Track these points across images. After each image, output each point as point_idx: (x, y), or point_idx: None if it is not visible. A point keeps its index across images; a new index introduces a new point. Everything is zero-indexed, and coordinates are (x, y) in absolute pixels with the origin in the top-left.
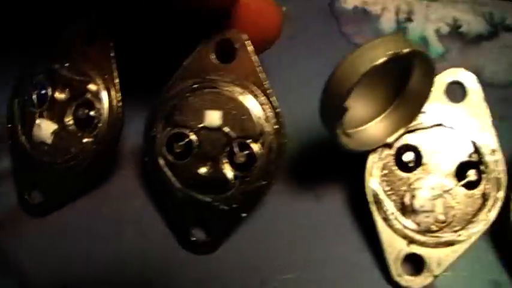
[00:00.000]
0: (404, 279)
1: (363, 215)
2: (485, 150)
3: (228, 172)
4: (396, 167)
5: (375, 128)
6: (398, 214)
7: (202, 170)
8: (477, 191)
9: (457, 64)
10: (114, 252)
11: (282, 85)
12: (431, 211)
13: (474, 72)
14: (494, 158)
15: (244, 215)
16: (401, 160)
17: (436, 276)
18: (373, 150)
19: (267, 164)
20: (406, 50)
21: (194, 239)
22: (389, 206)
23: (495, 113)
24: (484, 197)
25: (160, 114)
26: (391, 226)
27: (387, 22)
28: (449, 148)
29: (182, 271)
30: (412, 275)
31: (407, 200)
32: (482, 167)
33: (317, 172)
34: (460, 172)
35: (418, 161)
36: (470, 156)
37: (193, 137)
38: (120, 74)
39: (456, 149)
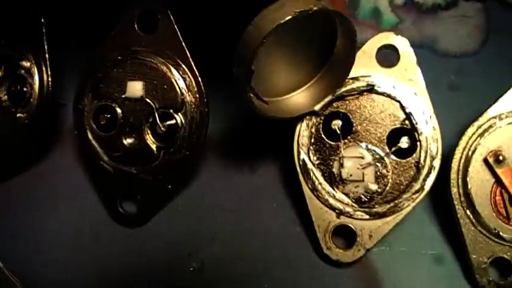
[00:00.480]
0: (334, 252)
1: (296, 187)
2: (418, 117)
3: (152, 143)
4: (325, 136)
5: (301, 96)
6: (326, 184)
7: (127, 141)
8: (411, 160)
9: (411, 35)
10: (49, 227)
11: (206, 55)
12: (361, 180)
13: (429, 43)
14: (429, 125)
15: (169, 186)
16: (330, 128)
17: (368, 250)
18: (302, 119)
19: (189, 135)
20: (313, 8)
21: (123, 211)
22: (318, 176)
23: (449, 84)
24: (418, 166)
25: (87, 87)
26: (319, 197)
27: None
28: (380, 115)
29: (113, 244)
30: (343, 248)
31: (335, 169)
32: (415, 134)
33: (251, 144)
34: (392, 140)
35: (348, 129)
36: (402, 123)
37: (117, 109)
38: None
39: (388, 116)
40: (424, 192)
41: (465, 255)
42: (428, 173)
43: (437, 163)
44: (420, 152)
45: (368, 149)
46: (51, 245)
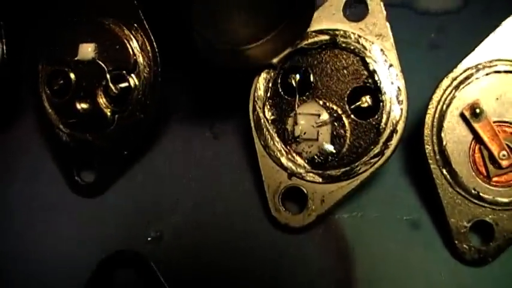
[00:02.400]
0: (283, 215)
1: None
2: (383, 75)
3: (105, 107)
4: (282, 91)
5: (259, 48)
6: (279, 142)
7: (81, 107)
8: (371, 121)
9: None
10: (7, 198)
11: (159, 14)
12: (315, 139)
13: (409, 1)
14: (394, 85)
15: (125, 152)
16: (288, 83)
17: (320, 216)
18: (259, 73)
19: (143, 97)
20: None
21: (80, 181)
22: (272, 133)
23: (429, 43)
24: (379, 128)
25: (40, 52)
26: (271, 155)
27: None
28: (343, 71)
29: (70, 214)
30: (293, 212)
31: (289, 126)
32: (378, 94)
33: (213, 109)
34: (354, 99)
35: (307, 84)
36: (365, 81)
37: (70, 73)
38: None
39: (350, 73)
40: (384, 158)
41: (443, 219)
42: (390, 136)
43: (400, 126)
44: (382, 114)
45: (326, 107)
46: (8, 216)
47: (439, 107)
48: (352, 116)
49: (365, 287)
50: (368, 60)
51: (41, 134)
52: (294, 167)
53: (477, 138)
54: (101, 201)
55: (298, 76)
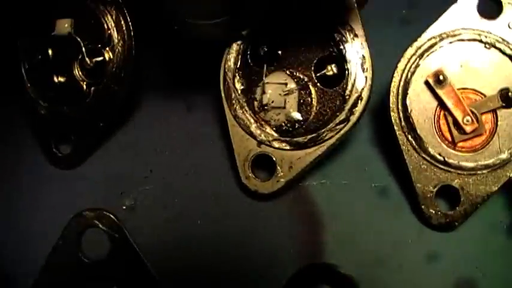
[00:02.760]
0: (253, 182)
1: None
2: (348, 45)
3: (81, 80)
4: (251, 61)
5: (230, 22)
6: (248, 111)
7: (58, 80)
8: (338, 89)
9: None
10: None
11: None
12: (282, 107)
13: None
14: (359, 54)
15: (101, 124)
16: (257, 54)
17: (288, 181)
18: (230, 45)
19: (117, 70)
20: None
21: (58, 153)
22: (241, 102)
23: (400, 18)
24: (344, 96)
25: (19, 27)
26: (241, 124)
27: None
28: (308, 40)
29: (48, 186)
30: (262, 179)
31: (258, 95)
32: (344, 63)
33: (187, 82)
34: (320, 68)
35: (274, 55)
36: (331, 50)
37: (49, 48)
38: None
39: (316, 42)
40: (350, 124)
41: (410, 185)
42: (355, 103)
43: (365, 94)
44: (347, 81)
45: (293, 76)
46: None
47: (404, 75)
48: (318, 84)
49: (333, 249)
50: (335, 30)
51: (21, 108)
52: (262, 135)
53: (441, 104)
54: (78, 172)
55: (265, 47)
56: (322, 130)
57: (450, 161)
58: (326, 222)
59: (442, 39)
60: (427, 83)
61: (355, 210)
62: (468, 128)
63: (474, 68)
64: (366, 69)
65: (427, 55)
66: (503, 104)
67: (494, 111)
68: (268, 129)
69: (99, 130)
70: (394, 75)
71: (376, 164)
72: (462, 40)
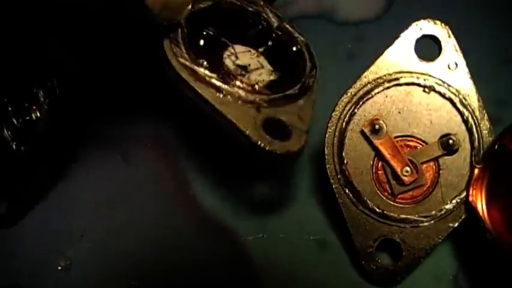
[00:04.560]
0: (274, 145)
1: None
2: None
3: (11, 140)
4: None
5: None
6: (232, 83)
7: None
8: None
9: (307, 5)
10: None
11: None
12: (261, 67)
13: (327, 13)
14: None
15: (34, 183)
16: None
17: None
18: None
19: (46, 127)
20: None
21: None
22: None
23: (346, 52)
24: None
25: None
26: (232, 97)
27: None
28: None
29: None
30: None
31: (231, 65)
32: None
33: (125, 131)
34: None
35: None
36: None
37: None
38: None
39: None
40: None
41: (349, 239)
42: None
43: None
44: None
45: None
46: None
47: (339, 124)
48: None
49: None
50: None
51: None
52: (255, 99)
53: (379, 155)
54: (15, 232)
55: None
56: (303, 79)
57: (390, 214)
58: (264, 278)
59: (378, 84)
60: (363, 132)
61: (294, 264)
62: (407, 179)
63: (413, 114)
64: None
65: (363, 102)
66: (445, 152)
67: (435, 159)
68: (257, 91)
69: (33, 189)
70: (329, 125)
71: (315, 216)
72: (400, 85)
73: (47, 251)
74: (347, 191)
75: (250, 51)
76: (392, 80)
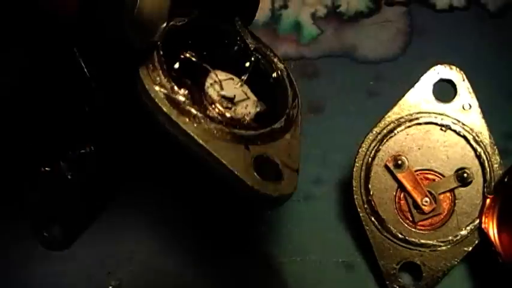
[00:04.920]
0: (262, 185)
1: None
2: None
3: (66, 170)
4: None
5: None
6: (208, 114)
7: (45, 169)
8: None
9: (331, 45)
10: None
11: None
12: (247, 98)
13: (349, 51)
14: None
15: (87, 209)
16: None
17: (297, 171)
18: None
19: (100, 160)
20: None
21: (46, 235)
22: (190, 107)
23: (368, 90)
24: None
25: None
26: (218, 132)
27: (261, 12)
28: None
29: (41, 268)
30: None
31: (213, 94)
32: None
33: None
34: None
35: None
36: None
37: None
38: None
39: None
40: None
41: (375, 261)
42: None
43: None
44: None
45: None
46: None
47: (365, 159)
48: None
49: None
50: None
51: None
52: (243, 133)
53: (401, 187)
54: (68, 254)
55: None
56: (287, 111)
57: (411, 239)
58: None
59: (400, 124)
60: (387, 167)
61: (324, 285)
62: (426, 209)
63: (431, 150)
64: None
65: (386, 140)
66: (460, 184)
67: (451, 190)
68: (243, 124)
69: (85, 214)
70: (356, 160)
71: (344, 240)
72: (419, 124)
73: (98, 271)
74: (373, 218)
75: (233, 79)
76: (412, 120)
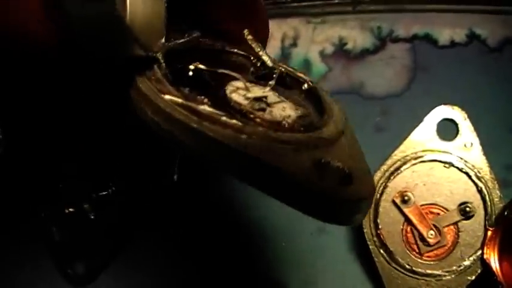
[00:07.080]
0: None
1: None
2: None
3: (89, 211)
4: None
5: None
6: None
7: (68, 210)
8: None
9: (339, 82)
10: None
11: None
12: (283, 100)
13: (356, 88)
14: None
15: (110, 248)
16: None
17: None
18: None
19: (121, 202)
20: None
21: (70, 272)
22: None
23: (374, 126)
24: None
25: None
26: (257, 137)
27: (271, 50)
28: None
29: None
30: None
31: (239, 99)
32: None
33: None
34: None
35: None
36: None
37: None
38: None
39: None
40: None
41: None
42: None
43: None
44: None
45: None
46: None
47: (375, 196)
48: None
49: None
50: None
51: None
52: (293, 137)
53: (408, 221)
54: None
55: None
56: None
57: (418, 269)
58: None
59: (405, 162)
60: (394, 202)
61: None
62: (432, 241)
63: (435, 185)
64: None
65: (393, 177)
66: (463, 217)
67: (455, 223)
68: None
69: (107, 252)
70: None
71: (353, 270)
72: (424, 161)
73: None
74: (381, 251)
75: (258, 84)
76: (418, 158)
